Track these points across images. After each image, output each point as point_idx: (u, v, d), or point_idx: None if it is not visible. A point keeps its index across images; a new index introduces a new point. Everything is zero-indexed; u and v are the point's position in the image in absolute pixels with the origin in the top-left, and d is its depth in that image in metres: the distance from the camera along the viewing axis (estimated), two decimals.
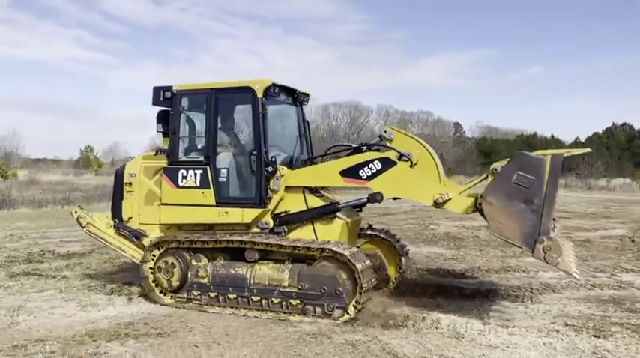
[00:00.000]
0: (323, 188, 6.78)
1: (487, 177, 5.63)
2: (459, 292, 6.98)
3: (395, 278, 7.14)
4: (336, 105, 79.06)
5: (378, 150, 6.40)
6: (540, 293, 6.95)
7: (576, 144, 57.54)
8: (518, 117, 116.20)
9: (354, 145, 6.66)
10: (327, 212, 6.29)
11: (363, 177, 6.04)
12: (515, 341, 5.05)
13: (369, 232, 7.24)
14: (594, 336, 5.20)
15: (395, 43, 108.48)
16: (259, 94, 6.24)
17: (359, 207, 6.70)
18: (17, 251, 10.48)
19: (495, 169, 5.51)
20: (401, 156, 6.17)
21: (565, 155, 5.31)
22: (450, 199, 5.74)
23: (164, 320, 5.78)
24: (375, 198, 6.03)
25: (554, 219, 5.72)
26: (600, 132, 62.37)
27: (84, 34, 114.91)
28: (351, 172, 6.10)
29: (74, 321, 5.77)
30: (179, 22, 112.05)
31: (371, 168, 6.01)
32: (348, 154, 6.46)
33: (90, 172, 58.14)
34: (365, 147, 6.45)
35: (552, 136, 63.92)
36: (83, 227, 7.30)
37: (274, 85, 6.40)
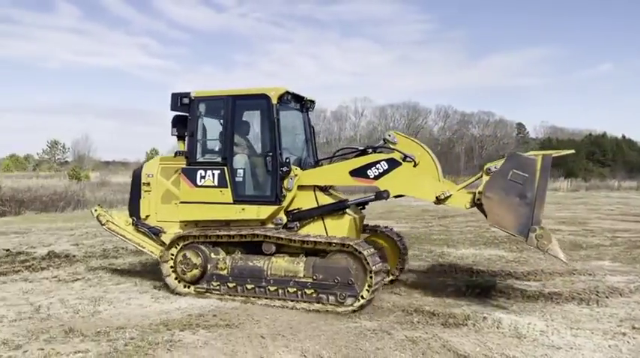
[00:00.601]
0: (331, 187, 7.27)
1: (482, 176, 6.22)
2: (521, 294, 6.90)
3: (394, 272, 7.60)
4: (393, 107, 78.55)
5: (382, 152, 6.89)
6: (607, 297, 6.76)
7: None
8: (585, 116, 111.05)
9: (360, 148, 7.19)
10: (337, 209, 6.80)
11: (371, 177, 6.57)
12: (579, 343, 4.99)
13: (373, 227, 7.86)
14: None
15: (455, 43, 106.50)
16: (274, 101, 6.71)
17: (364, 204, 7.21)
18: (93, 247, 11.21)
19: (489, 169, 6.11)
20: (405, 158, 6.67)
21: (553, 155, 5.85)
22: (450, 196, 6.28)
23: (231, 312, 6.08)
24: (381, 195, 6.55)
25: None
26: None
27: (150, 42, 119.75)
28: (359, 172, 6.62)
29: (149, 311, 6.18)
30: (238, 28, 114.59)
31: (378, 168, 6.53)
32: (355, 156, 6.97)
33: None
34: (370, 150, 6.99)
35: (623, 136, 60.85)
36: (103, 224, 7.78)
37: (288, 92, 6.96)
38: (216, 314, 6.01)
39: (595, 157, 57.56)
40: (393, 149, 6.83)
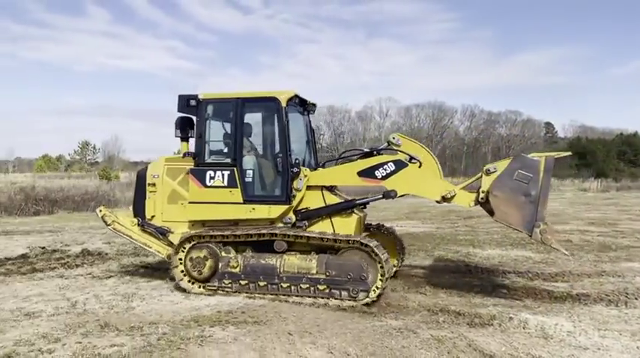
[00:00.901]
0: (335, 187, 7.56)
1: (481, 176, 6.55)
2: (548, 294, 6.88)
3: (394, 268, 7.75)
4: (418, 107, 78.07)
5: (385, 154, 7.16)
6: (636, 298, 6.67)
7: None
8: (616, 115, 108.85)
9: (365, 150, 7.46)
10: (345, 208, 7.12)
11: (379, 177, 6.85)
12: (607, 344, 4.97)
13: (376, 226, 8.23)
14: None
15: (481, 41, 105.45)
16: (284, 104, 6.94)
17: (366, 204, 7.46)
18: (125, 245, 11.48)
19: (488, 169, 6.48)
20: (411, 159, 6.95)
21: (555, 157, 6.20)
22: (455, 194, 6.62)
23: (259, 310, 6.21)
24: (389, 194, 6.83)
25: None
26: None
27: (177, 45, 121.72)
28: (367, 173, 6.90)
29: (180, 308, 6.36)
30: (264, 29, 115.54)
31: (385, 169, 6.81)
32: (359, 158, 7.27)
33: None
34: (375, 152, 7.25)
35: None
36: (108, 225, 7.87)
37: (296, 95, 7.24)
38: (244, 311, 6.15)
39: (626, 157, 56.24)
40: (397, 151, 7.11)
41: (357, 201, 7.19)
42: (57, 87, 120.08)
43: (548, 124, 73.32)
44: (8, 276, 8.43)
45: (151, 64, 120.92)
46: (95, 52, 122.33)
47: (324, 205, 7.12)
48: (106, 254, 10.36)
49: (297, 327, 5.52)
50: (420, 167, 6.96)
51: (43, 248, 10.90)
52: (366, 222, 7.82)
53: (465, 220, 17.57)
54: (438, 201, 6.74)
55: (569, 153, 7.58)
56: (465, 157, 74.54)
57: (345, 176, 7.15)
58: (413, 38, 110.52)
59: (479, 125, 77.36)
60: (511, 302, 6.61)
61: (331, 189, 7.37)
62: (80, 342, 5.02)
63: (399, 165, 6.80)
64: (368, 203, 7.42)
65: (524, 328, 5.46)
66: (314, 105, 8.07)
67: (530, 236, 6.07)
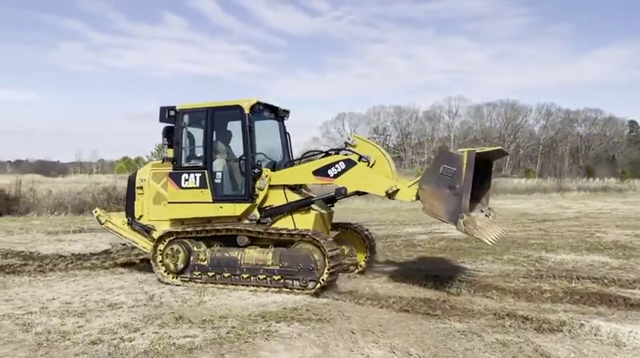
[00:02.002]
0: (301, 186, 8.14)
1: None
2: (624, 301, 6.56)
3: (362, 264, 8.52)
4: (489, 106, 75.91)
5: (343, 153, 7.68)
6: None
7: None
8: None
9: (324, 150, 8.16)
10: (303, 205, 7.61)
11: (331, 176, 7.34)
12: None
13: (344, 224, 8.85)
14: None
15: (559, 37, 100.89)
16: (247, 111, 7.57)
17: (330, 201, 8.02)
18: None
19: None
20: (360, 158, 7.44)
21: (477, 151, 6.45)
22: (398, 190, 7.00)
23: (323, 308, 6.37)
24: (340, 191, 7.45)
25: (489, 208, 7.71)
26: None
27: (248, 49, 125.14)
28: (321, 172, 7.40)
29: (248, 303, 6.63)
30: (332, 31, 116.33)
31: (337, 168, 7.30)
32: (320, 158, 7.79)
33: None
34: (333, 152, 7.85)
35: None
36: (102, 223, 8.81)
37: (259, 103, 7.81)
38: (309, 308, 6.32)
39: None
40: (353, 151, 7.60)
41: (314, 199, 7.70)
42: (136, 92, 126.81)
43: (633, 122, 69.00)
44: (93, 270, 9.10)
45: (224, 68, 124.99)
46: (171, 58, 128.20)
47: (285, 203, 7.63)
48: None
49: (359, 326, 5.62)
50: (369, 165, 7.40)
51: (124, 244, 11.60)
52: (335, 221, 8.50)
53: (538, 224, 16.97)
54: (383, 197, 7.19)
55: (499, 147, 7.75)
56: (540, 157, 71.54)
57: (302, 175, 7.68)
58: (485, 35, 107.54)
59: (555, 124, 74.05)
60: (583, 308, 6.37)
61: (294, 188, 7.87)
62: (157, 332, 5.38)
63: (349, 163, 7.27)
64: (328, 200, 7.94)
65: (595, 335, 5.27)
66: (286, 111, 8.72)
67: (455, 226, 6.30)
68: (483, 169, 7.28)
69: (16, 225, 16.26)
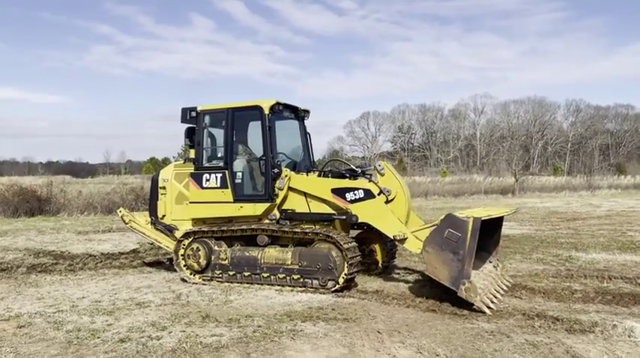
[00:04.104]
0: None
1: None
2: None
3: (383, 263, 8.33)
4: (516, 102, 74.62)
5: (369, 176, 7.74)
6: None
7: None
8: None
9: (352, 166, 8.11)
10: (325, 220, 7.69)
11: (348, 200, 7.39)
12: None
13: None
14: None
15: (590, 31, 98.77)
16: (266, 111, 7.64)
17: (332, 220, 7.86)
18: None
19: None
20: (381, 192, 7.37)
21: (483, 218, 6.32)
22: (406, 238, 7.02)
23: (349, 307, 6.34)
24: (351, 218, 7.42)
25: (498, 260, 7.77)
26: None
27: (275, 49, 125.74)
28: (340, 192, 7.47)
29: (274, 303, 6.65)
30: (358, 29, 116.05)
31: (355, 194, 7.35)
32: (344, 170, 7.92)
33: None
34: (359, 170, 7.84)
35: None
36: (126, 223, 9.00)
37: (278, 103, 7.86)
38: (334, 308, 6.31)
39: None
40: (374, 182, 7.51)
41: (335, 217, 7.65)
42: (163, 94, 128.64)
43: None
44: (122, 269, 9.26)
45: (251, 69, 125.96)
46: (198, 59, 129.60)
47: (308, 211, 7.72)
48: None
49: (386, 326, 5.57)
50: (387, 202, 7.38)
51: (151, 243, 11.78)
52: None
53: (567, 222, 16.62)
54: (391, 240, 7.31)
55: (506, 211, 7.78)
56: (568, 155, 70.12)
57: (320, 188, 7.69)
58: (514, 31, 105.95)
59: (585, 120, 72.49)
60: (616, 308, 6.20)
61: (317, 198, 7.78)
62: (184, 331, 5.43)
63: (368, 194, 7.30)
64: (333, 220, 7.78)
65: (629, 336, 5.11)
66: (306, 111, 8.73)
67: (457, 292, 6.20)
68: (494, 222, 7.32)
69: (48, 225, 16.64)
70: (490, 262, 7.55)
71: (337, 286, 6.94)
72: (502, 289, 7.05)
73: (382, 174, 7.65)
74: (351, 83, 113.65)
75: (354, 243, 7.23)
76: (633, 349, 4.78)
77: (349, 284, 7.12)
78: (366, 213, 7.29)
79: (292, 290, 7.18)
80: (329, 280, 7.01)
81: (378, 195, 7.35)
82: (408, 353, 4.77)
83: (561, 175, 53.05)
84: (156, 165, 74.58)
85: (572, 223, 16.24)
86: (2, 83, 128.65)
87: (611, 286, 7.36)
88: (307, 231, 7.31)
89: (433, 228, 6.68)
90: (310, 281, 7.13)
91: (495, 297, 6.58)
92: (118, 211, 9.39)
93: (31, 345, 5.05)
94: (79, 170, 68.47)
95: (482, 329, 5.45)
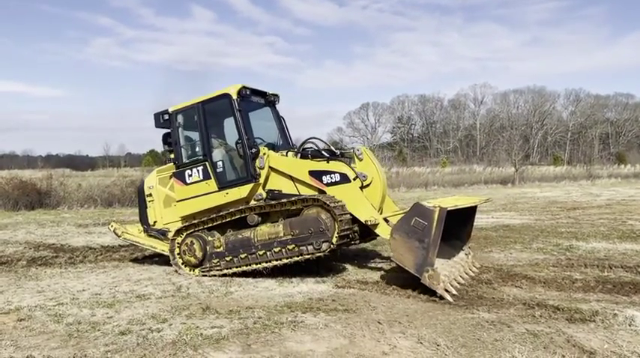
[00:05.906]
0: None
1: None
2: None
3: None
4: (516, 92, 74.49)
5: (347, 159, 7.80)
6: None
7: None
8: None
9: (332, 148, 7.99)
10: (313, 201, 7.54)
11: (324, 182, 7.47)
12: None
13: None
14: None
15: (590, 21, 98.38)
16: (234, 96, 7.72)
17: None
18: None
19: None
20: (356, 177, 7.42)
21: (449, 208, 6.38)
22: (378, 224, 7.17)
23: (349, 298, 6.34)
24: None
25: (469, 247, 8.12)
26: None
27: (276, 40, 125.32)
28: (317, 175, 7.53)
29: (274, 294, 6.65)
30: (359, 20, 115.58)
31: (332, 177, 7.44)
32: (323, 150, 7.85)
33: None
34: (339, 152, 7.85)
35: None
36: (119, 236, 8.98)
37: (245, 87, 7.91)
38: (335, 299, 6.30)
39: None
40: (351, 167, 7.52)
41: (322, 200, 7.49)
42: (163, 86, 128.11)
43: None
44: (122, 262, 9.27)
45: (251, 61, 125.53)
46: (198, 51, 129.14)
47: (297, 193, 7.67)
48: None
49: (386, 316, 5.57)
50: (362, 187, 7.43)
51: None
52: None
53: (567, 211, 16.62)
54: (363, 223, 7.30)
55: (475, 202, 7.73)
56: (568, 144, 70.08)
57: (299, 170, 7.72)
58: (516, 20, 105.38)
59: (585, 110, 72.35)
60: (616, 297, 6.20)
61: (303, 182, 7.77)
62: (185, 323, 5.43)
63: (344, 179, 7.37)
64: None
65: (630, 325, 5.11)
66: (275, 95, 8.80)
67: (421, 279, 6.32)
68: (467, 211, 7.46)
69: (48, 218, 16.65)
70: (462, 250, 7.83)
71: (332, 246, 6.96)
72: (468, 275, 7.23)
73: (360, 159, 7.68)
74: (351, 74, 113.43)
75: (341, 202, 7.20)
76: (634, 338, 4.78)
77: (344, 244, 7.27)
78: (340, 196, 7.31)
79: (292, 282, 7.18)
80: (323, 242, 7.01)
81: (354, 179, 7.40)
82: (408, 344, 4.77)
83: (561, 165, 53.04)
84: (155, 157, 74.41)
85: (572, 212, 16.24)
86: (2, 77, 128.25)
87: (612, 275, 7.36)
88: (293, 199, 7.34)
89: (402, 217, 6.77)
90: (305, 248, 7.12)
91: (459, 283, 6.73)
92: (109, 226, 9.39)
93: (32, 338, 5.05)
94: (78, 163, 68.45)
95: (482, 318, 5.45)
